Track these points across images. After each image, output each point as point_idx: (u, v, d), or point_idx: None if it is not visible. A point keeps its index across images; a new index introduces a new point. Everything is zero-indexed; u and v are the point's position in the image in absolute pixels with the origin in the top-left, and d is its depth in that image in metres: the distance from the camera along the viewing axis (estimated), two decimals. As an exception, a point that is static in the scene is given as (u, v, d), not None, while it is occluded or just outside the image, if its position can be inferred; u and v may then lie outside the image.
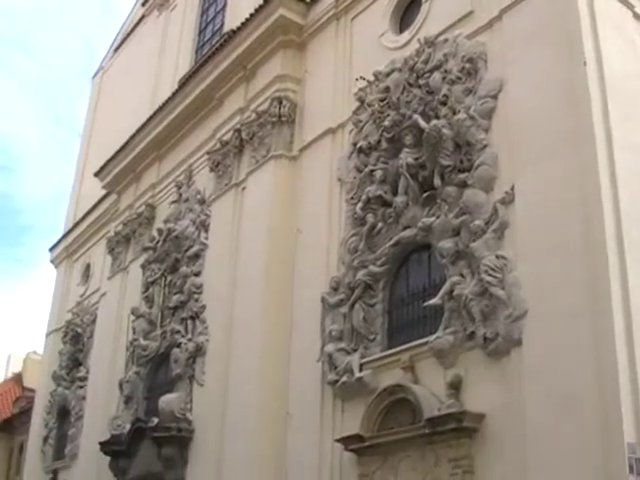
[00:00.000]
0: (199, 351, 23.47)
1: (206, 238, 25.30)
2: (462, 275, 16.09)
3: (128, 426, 25.78)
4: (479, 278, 15.45)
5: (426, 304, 16.82)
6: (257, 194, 23.29)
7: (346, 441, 17.43)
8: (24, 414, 40.60)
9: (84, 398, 31.56)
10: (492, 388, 14.98)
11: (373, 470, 16.87)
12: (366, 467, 17.05)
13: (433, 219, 17.13)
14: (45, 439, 34.76)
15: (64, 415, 33.71)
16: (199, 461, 22.30)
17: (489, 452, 14.71)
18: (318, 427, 18.57)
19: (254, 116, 24.17)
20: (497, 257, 15.31)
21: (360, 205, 19.08)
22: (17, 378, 48.57)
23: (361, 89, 20.44)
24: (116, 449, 26.00)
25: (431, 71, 18.32)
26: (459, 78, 17.65)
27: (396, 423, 16.59)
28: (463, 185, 16.66)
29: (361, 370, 17.76)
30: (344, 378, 17.96)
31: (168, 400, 23.44)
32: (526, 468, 13.66)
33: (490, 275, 15.23)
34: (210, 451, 21.67)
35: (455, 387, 15.54)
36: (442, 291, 16.36)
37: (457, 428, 15.10)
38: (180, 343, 24.35)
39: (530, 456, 13.65)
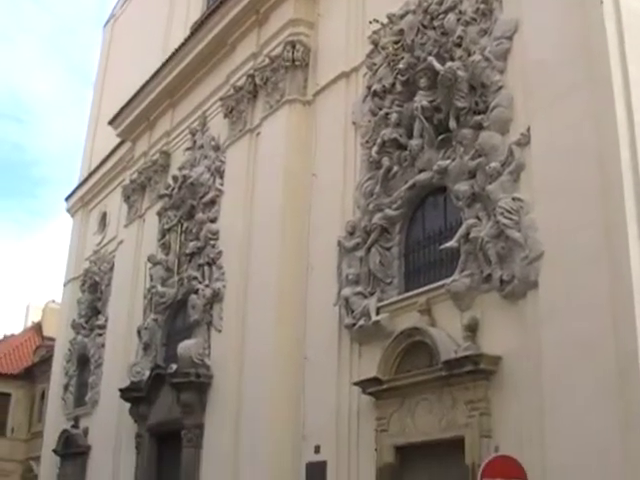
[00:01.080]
0: (216, 297, 23.61)
1: (221, 184, 25.30)
2: (478, 218, 16.03)
3: (147, 373, 26.08)
4: (495, 220, 15.37)
5: (442, 247, 16.81)
6: (272, 139, 23.21)
7: (364, 384, 17.54)
8: (44, 363, 40.95)
9: (103, 346, 31.86)
10: (508, 330, 15.00)
11: (390, 413, 17.00)
12: (383, 410, 17.17)
13: (449, 162, 17.03)
14: (66, 387, 35.14)
15: (84, 363, 34.04)
16: (218, 406, 22.52)
17: (506, 394, 14.77)
18: (336, 371, 18.69)
19: (267, 61, 23.99)
20: (513, 199, 15.21)
21: (375, 149, 18.97)
22: (37, 327, 48.95)
23: (375, 32, 20.22)
24: (136, 395, 26.33)
25: (445, 12, 18.07)
26: (474, 19, 17.41)
27: (413, 366, 16.67)
28: (478, 127, 16.51)
29: (378, 313, 17.81)
30: (361, 322, 18.03)
31: (186, 346, 23.62)
32: (543, 410, 13.69)
33: (506, 217, 15.15)
34: (228, 396, 21.88)
35: (472, 329, 15.56)
36: (458, 234, 16.32)
37: (474, 370, 15.14)
38: (197, 289, 24.47)
39: (547, 398, 13.68)
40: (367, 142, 19.53)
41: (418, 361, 16.56)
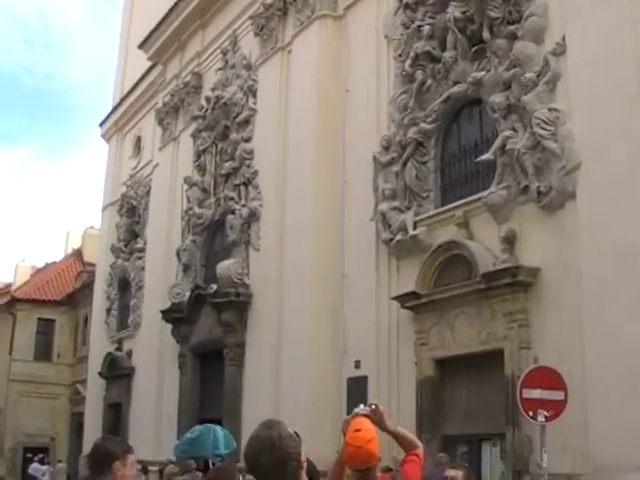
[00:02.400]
0: (253, 216, 23.72)
1: (254, 103, 25.17)
2: (514, 129, 15.85)
3: (187, 294, 26.36)
4: (531, 132, 15.20)
5: (478, 159, 16.70)
6: (303, 56, 22.98)
7: (402, 299, 17.63)
8: (86, 288, 41.39)
9: (143, 269, 32.17)
10: (546, 242, 14.96)
11: (429, 326, 17.10)
12: (422, 324, 17.29)
13: (483, 73, 16.79)
14: (108, 310, 35.61)
15: (125, 286, 34.43)
16: (258, 325, 22.79)
17: (545, 305, 14.79)
18: (374, 286, 18.78)
19: (297, -23, 23.63)
20: (549, 110, 15.00)
21: (408, 62, 18.73)
22: (77, 253, 49.36)
23: (405, -57, 19.78)
24: (177, 316, 26.69)
25: None
26: None
27: (451, 279, 16.71)
28: (513, 37, 16.21)
29: (415, 228, 17.81)
30: (398, 236, 18.04)
31: (225, 266, 23.81)
32: (581, 320, 13.71)
33: (543, 128, 14.97)
34: (269, 314, 22.10)
35: (509, 242, 15.52)
36: (494, 146, 16.18)
37: (512, 282, 15.16)
38: (234, 209, 24.58)
39: (586, 308, 13.69)
40: (400, 56, 19.27)
41: (456, 274, 16.59)
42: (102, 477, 4.87)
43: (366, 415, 5.16)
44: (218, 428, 11.98)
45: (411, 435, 5.57)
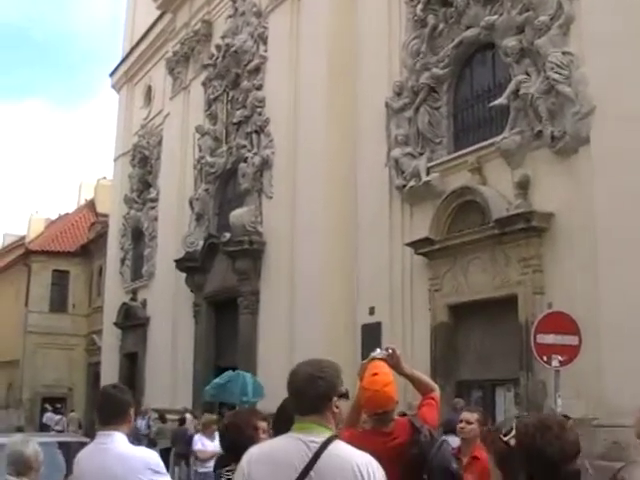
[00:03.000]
0: (266, 164, 23.65)
1: (265, 51, 24.98)
2: (527, 73, 15.67)
3: (201, 243, 26.45)
4: (545, 76, 15.03)
5: (491, 104, 16.56)
6: (314, 2, 22.73)
7: (416, 245, 17.61)
8: (100, 239, 41.45)
9: (156, 219, 32.21)
10: (560, 187, 14.86)
11: (443, 272, 17.10)
12: (436, 270, 17.29)
13: (496, 17, 16.57)
14: (122, 261, 35.74)
15: (138, 236, 34.51)
16: (272, 272, 22.84)
17: (558, 251, 14.73)
18: (387, 232, 18.75)
19: None
20: (563, 53, 14.81)
21: (420, 6, 18.51)
22: (90, 205, 49.34)
23: None
24: (191, 265, 26.78)
25: None
26: None
27: (465, 225, 16.67)
28: (526, -21, 15.98)
29: (428, 174, 17.73)
30: (412, 182, 17.96)
31: (238, 214, 23.82)
32: (596, 265, 13.66)
33: (556, 72, 14.79)
34: (282, 262, 22.15)
35: (523, 187, 15.42)
36: (507, 90, 16.01)
37: (526, 228, 15.11)
38: (246, 158, 24.50)
39: (600, 253, 13.63)
40: (411, 0, 19.02)
41: (470, 220, 16.55)
42: (121, 425, 4.89)
43: (383, 359, 5.17)
44: (248, 376, 12.11)
45: (427, 379, 5.59)
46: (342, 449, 3.53)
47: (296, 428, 3.58)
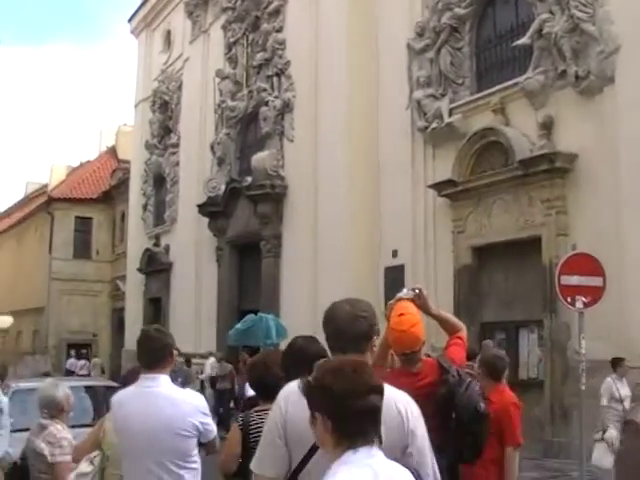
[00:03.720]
0: (287, 107, 23.53)
1: (285, -8, 24.67)
2: (551, 12, 15.43)
3: (223, 187, 26.42)
4: (569, 14, 14.80)
5: (515, 44, 16.37)
6: (334, -59, 22.37)
7: (439, 187, 17.55)
8: (122, 185, 41.46)
9: (177, 164, 32.16)
10: (584, 128, 14.71)
11: (466, 214, 17.06)
12: (459, 211, 17.25)
13: (519, -46, 16.30)
14: (144, 207, 35.78)
15: (160, 182, 34.50)
16: (295, 216, 22.87)
17: (582, 192, 14.67)
18: (410, 174, 18.68)
19: None
20: (588, -9, 14.59)
21: (442, -56, 18.21)
22: (111, 151, 49.28)
23: None
24: (213, 210, 26.80)
25: None
26: None
27: (488, 167, 16.59)
28: None
29: (451, 115, 17.62)
30: (434, 124, 17.84)
31: (260, 158, 23.75)
32: (620, 206, 13.63)
33: (581, 11, 14.57)
34: (305, 205, 22.15)
35: (547, 127, 15.30)
36: (531, 30, 15.81)
37: (550, 169, 15.03)
38: (267, 101, 24.37)
39: (624, 194, 13.59)
40: (433, -62, 18.72)
41: (493, 161, 16.46)
42: (164, 368, 4.87)
43: (410, 299, 5.13)
44: (270, 318, 12.13)
45: (454, 318, 5.55)
46: None
47: None
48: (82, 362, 35.39)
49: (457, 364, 5.15)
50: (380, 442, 2.78)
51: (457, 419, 4.88)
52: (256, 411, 5.01)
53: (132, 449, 4.34)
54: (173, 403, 4.63)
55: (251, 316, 13.71)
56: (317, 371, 2.93)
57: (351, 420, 2.73)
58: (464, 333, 5.43)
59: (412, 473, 2.94)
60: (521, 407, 6.95)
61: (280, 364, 4.86)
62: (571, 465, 13.27)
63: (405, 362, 5.07)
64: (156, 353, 4.88)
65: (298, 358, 4.54)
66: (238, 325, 13.73)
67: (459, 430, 4.88)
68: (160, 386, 4.75)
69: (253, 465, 3.49)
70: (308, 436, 3.24)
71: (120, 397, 4.84)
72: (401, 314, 4.95)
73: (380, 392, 2.84)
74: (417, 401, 4.83)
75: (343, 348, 3.58)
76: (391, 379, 4.88)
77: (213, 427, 4.85)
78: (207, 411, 4.89)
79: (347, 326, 3.60)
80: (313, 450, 3.38)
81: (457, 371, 5.03)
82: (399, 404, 3.47)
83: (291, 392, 3.55)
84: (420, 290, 5.20)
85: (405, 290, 5.18)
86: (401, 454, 3.36)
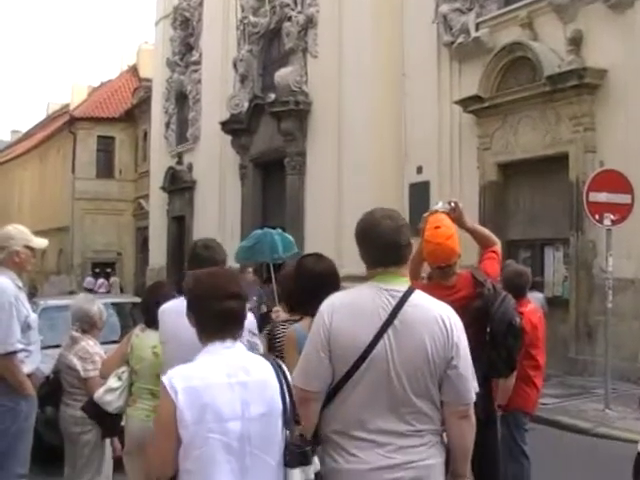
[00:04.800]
0: (310, 23, 23.23)
1: None
2: None
3: (246, 104, 26.24)
4: None
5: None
6: None
7: (465, 103, 17.33)
8: (143, 103, 41.24)
9: (200, 81, 31.91)
10: (615, 43, 14.43)
11: (492, 131, 16.89)
12: (485, 128, 17.07)
13: None
14: (167, 125, 35.66)
15: (182, 100, 34.27)
16: (319, 132, 22.73)
17: (611, 108, 14.47)
18: (435, 91, 18.44)
19: None
20: None
21: None
22: (132, 70, 48.88)
23: None
24: (236, 127, 26.67)
25: None
26: None
27: (515, 82, 16.36)
28: None
29: (477, 29, 17.31)
30: (460, 39, 17.55)
31: (283, 74, 23.54)
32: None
33: None
34: (329, 122, 21.97)
35: (576, 43, 15.02)
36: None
37: (578, 85, 14.79)
38: (290, 16, 24.05)
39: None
40: None
41: (520, 77, 16.22)
42: None
43: (445, 212, 5.08)
44: (275, 232, 12.05)
45: (489, 232, 5.51)
46: (424, 299, 3.49)
47: (377, 279, 3.48)
48: (101, 281, 35.64)
49: (492, 278, 5.11)
50: (235, 339, 3.26)
51: (492, 333, 4.86)
52: (282, 322, 5.01)
53: (180, 361, 4.32)
54: None
55: (256, 232, 13.62)
56: (188, 277, 3.41)
57: (211, 320, 3.22)
58: (498, 247, 5.40)
59: (273, 365, 3.28)
60: (539, 326, 6.93)
61: (295, 281, 4.84)
62: (594, 383, 13.37)
63: (440, 275, 5.03)
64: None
65: (306, 277, 4.55)
66: (243, 242, 13.66)
67: (494, 344, 4.86)
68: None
69: (295, 378, 3.40)
70: (353, 350, 3.34)
71: (167, 307, 4.78)
72: (437, 227, 4.91)
73: (239, 298, 3.29)
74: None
75: (386, 261, 3.50)
76: (426, 292, 4.87)
77: (260, 346, 4.82)
78: (256, 330, 4.86)
79: (393, 238, 3.50)
80: (357, 364, 3.34)
81: (492, 285, 4.99)
82: (443, 316, 3.43)
83: (336, 305, 3.45)
84: (456, 203, 5.15)
85: (440, 203, 5.15)
86: (446, 366, 3.38)
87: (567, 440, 9.41)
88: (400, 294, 3.42)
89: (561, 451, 8.55)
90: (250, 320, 4.82)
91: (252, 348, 4.67)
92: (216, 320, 3.23)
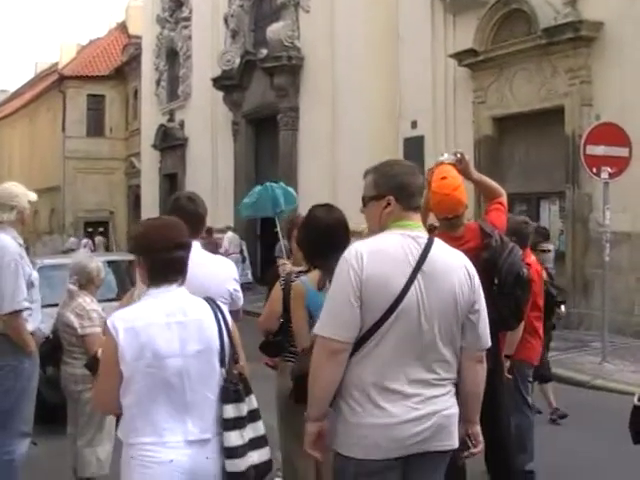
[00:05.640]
0: (301, -24, 22.95)
1: None
2: None
3: (237, 60, 26.08)
4: None
5: None
6: None
7: (459, 56, 17.20)
8: (133, 61, 40.93)
9: (190, 38, 31.66)
10: (611, -4, 14.24)
11: (488, 84, 16.78)
12: (481, 81, 16.95)
13: None
14: (157, 82, 35.44)
15: (173, 57, 34.05)
16: (312, 88, 22.60)
17: (607, 62, 14.37)
18: (429, 44, 18.27)
19: None
20: None
21: None
22: (121, 27, 48.39)
23: None
24: (228, 84, 26.53)
25: None
26: None
27: (511, 35, 16.22)
28: None
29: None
30: None
31: (275, 29, 23.34)
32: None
33: None
34: (322, 77, 21.84)
35: (572, -5, 14.86)
36: None
37: (574, 38, 14.69)
38: (281, -30, 23.77)
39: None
40: None
41: (516, 30, 16.09)
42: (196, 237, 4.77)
43: (451, 163, 5.05)
44: (276, 186, 11.99)
45: (495, 184, 5.47)
46: (446, 247, 3.47)
47: (398, 225, 3.40)
48: (84, 240, 35.51)
49: (498, 229, 5.08)
50: (179, 284, 3.46)
51: (500, 284, 4.83)
52: (298, 272, 4.97)
53: None
54: (208, 270, 4.55)
55: (257, 187, 13.56)
56: (140, 225, 3.60)
57: (160, 268, 3.42)
58: (504, 198, 5.37)
59: (212, 307, 3.49)
60: (542, 276, 6.94)
61: (298, 235, 4.80)
62: (591, 336, 13.44)
63: (447, 226, 5.00)
64: (187, 222, 4.76)
65: (316, 228, 4.50)
66: (245, 199, 13.58)
67: (501, 295, 4.83)
68: (193, 252, 4.67)
69: (322, 329, 3.30)
70: (386, 296, 3.25)
71: None
72: (443, 177, 4.89)
73: (186, 247, 3.53)
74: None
75: (407, 203, 3.45)
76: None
77: (241, 294, 4.81)
78: (238, 278, 4.85)
79: (412, 179, 3.47)
80: (389, 312, 3.26)
81: (500, 236, 4.96)
82: (466, 265, 3.44)
83: (364, 251, 3.31)
84: (462, 154, 5.11)
85: (446, 154, 5.14)
86: (469, 310, 3.40)
87: (564, 393, 9.42)
88: (425, 240, 3.38)
89: (558, 404, 8.58)
90: (230, 267, 4.88)
91: (236, 298, 4.68)
92: (165, 268, 3.43)
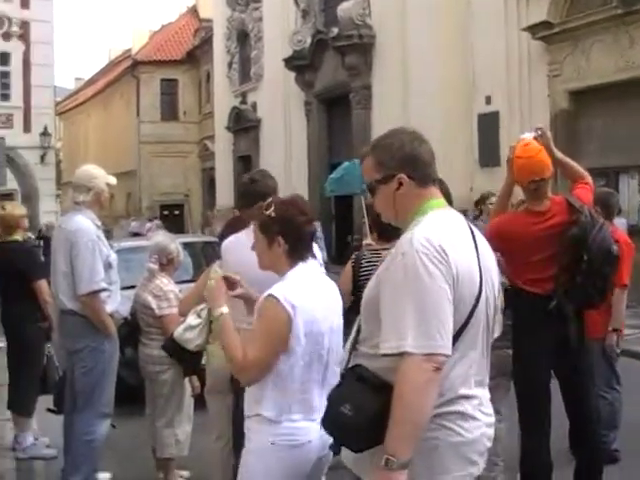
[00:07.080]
0: (372, -47, 22.77)
1: None
2: None
3: (309, 40, 26.05)
4: None
5: None
6: None
7: (533, 29, 16.88)
8: (205, 44, 41.17)
9: (261, 19, 31.74)
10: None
11: (563, 57, 16.47)
12: (556, 54, 16.64)
13: None
14: (229, 65, 35.60)
15: (244, 39, 34.18)
16: (384, 66, 22.47)
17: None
18: (503, 17, 17.95)
19: None
20: None
21: None
22: (192, 11, 48.68)
23: None
24: (300, 64, 26.53)
25: None
26: None
27: (586, 6, 15.89)
28: None
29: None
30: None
31: (346, 8, 23.22)
32: None
33: None
34: (394, 54, 21.69)
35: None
36: None
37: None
38: (351, -52, 23.55)
39: None
40: None
41: (591, 1, 15.74)
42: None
43: (533, 138, 5.00)
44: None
45: (578, 165, 5.34)
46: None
47: (432, 206, 2.86)
48: (148, 225, 35.80)
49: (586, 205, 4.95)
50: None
51: (589, 261, 4.66)
52: (369, 250, 4.91)
53: None
54: None
55: (344, 164, 13.52)
56: (277, 205, 3.48)
57: (303, 242, 3.50)
58: (590, 179, 5.22)
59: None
60: (632, 247, 6.73)
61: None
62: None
63: (532, 196, 4.88)
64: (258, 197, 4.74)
65: None
66: (332, 175, 13.57)
67: (590, 273, 4.68)
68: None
69: (419, 346, 2.58)
70: (471, 289, 2.75)
71: (229, 243, 4.74)
72: (526, 144, 4.83)
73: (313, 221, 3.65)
74: (544, 241, 4.68)
75: (431, 177, 2.94)
76: (513, 221, 4.77)
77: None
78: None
79: (425, 147, 2.95)
80: (475, 307, 2.73)
81: (589, 211, 4.81)
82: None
83: (441, 240, 2.70)
84: (543, 130, 5.00)
85: (527, 133, 5.08)
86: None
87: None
88: (463, 216, 2.99)
89: (632, 381, 8.35)
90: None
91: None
92: (305, 242, 3.54)
